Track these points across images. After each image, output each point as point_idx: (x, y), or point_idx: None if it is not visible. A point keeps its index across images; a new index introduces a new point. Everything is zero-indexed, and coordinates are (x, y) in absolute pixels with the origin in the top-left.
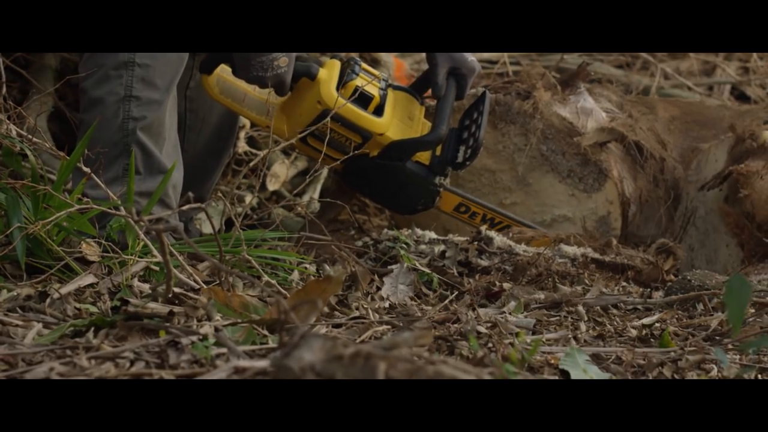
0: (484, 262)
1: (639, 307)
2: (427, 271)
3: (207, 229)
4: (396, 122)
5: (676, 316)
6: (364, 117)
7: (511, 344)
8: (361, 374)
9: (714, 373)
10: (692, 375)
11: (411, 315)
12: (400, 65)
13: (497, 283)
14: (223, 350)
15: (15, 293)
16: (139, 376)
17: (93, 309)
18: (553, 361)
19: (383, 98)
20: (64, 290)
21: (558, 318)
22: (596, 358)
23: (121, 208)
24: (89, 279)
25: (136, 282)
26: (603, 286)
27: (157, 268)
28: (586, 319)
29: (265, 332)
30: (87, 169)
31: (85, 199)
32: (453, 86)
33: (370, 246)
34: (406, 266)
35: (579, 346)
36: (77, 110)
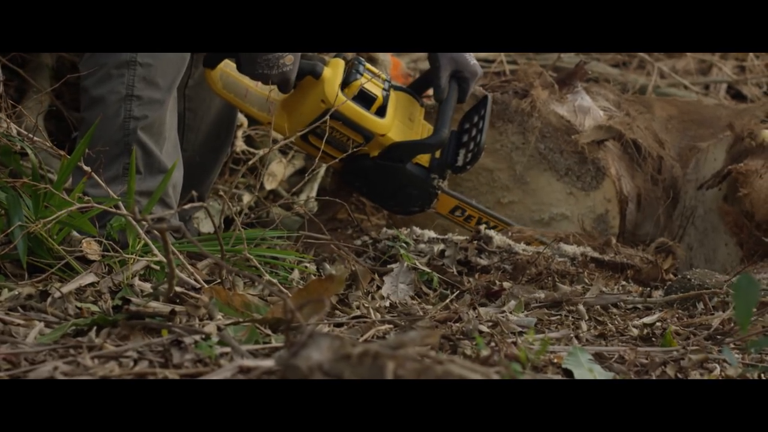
0: (484, 261)
1: (639, 306)
2: (427, 270)
3: (204, 228)
4: (397, 123)
5: (677, 315)
6: (366, 117)
7: (514, 343)
8: (369, 374)
9: (717, 372)
10: (695, 374)
11: (413, 314)
12: (396, 64)
13: (497, 282)
14: (227, 349)
15: (16, 292)
16: (143, 375)
17: (94, 308)
18: (556, 360)
19: (386, 99)
20: (65, 289)
21: (559, 317)
22: (599, 358)
23: (122, 207)
24: (90, 278)
25: (136, 281)
26: (603, 285)
27: (157, 267)
28: (586, 318)
29: (268, 331)
30: (87, 168)
31: (86, 198)
32: (455, 89)
33: (369, 245)
34: (406, 265)
35: (581, 345)
36: (74, 109)
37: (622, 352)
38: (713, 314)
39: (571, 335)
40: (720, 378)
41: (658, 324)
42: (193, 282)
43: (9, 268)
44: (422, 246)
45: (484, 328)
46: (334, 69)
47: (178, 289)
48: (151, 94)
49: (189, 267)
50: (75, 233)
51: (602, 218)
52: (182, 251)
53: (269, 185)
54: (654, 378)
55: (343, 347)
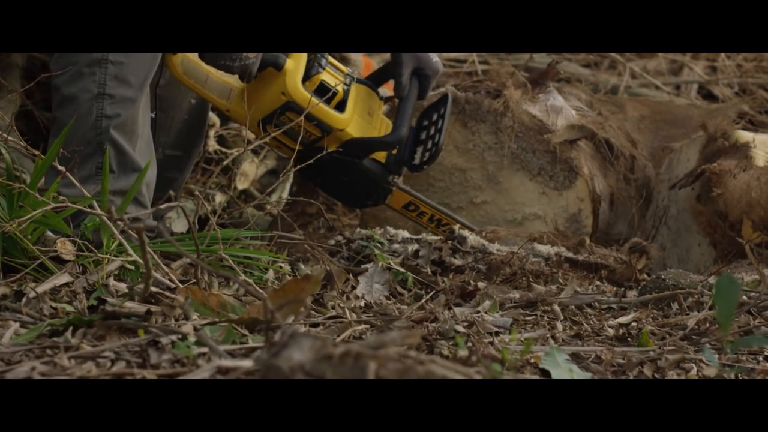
0: (458, 261)
1: (614, 306)
2: (402, 270)
3: (177, 227)
4: (356, 118)
5: (652, 316)
6: (326, 112)
7: (491, 343)
8: (351, 374)
9: (694, 372)
10: (673, 374)
11: (388, 314)
12: (368, 64)
13: (472, 282)
14: (205, 350)
15: None
16: (121, 375)
17: (69, 308)
18: (533, 360)
19: (346, 94)
20: (40, 289)
21: (534, 317)
22: (576, 358)
23: (97, 206)
24: (65, 278)
25: (111, 281)
26: (577, 285)
27: (132, 267)
28: (562, 318)
29: (245, 332)
30: (62, 168)
31: (60, 198)
32: (416, 86)
33: (342, 245)
34: (380, 265)
35: (557, 346)
36: (45, 109)
37: (598, 352)
38: (688, 314)
39: (547, 335)
40: (698, 378)
41: (634, 324)
42: (168, 282)
43: None
44: (396, 246)
45: (460, 328)
46: (296, 62)
47: (153, 289)
48: (123, 92)
49: (164, 267)
50: (49, 233)
51: (575, 218)
52: (156, 251)
53: (241, 185)
54: (631, 378)
55: (325, 347)
